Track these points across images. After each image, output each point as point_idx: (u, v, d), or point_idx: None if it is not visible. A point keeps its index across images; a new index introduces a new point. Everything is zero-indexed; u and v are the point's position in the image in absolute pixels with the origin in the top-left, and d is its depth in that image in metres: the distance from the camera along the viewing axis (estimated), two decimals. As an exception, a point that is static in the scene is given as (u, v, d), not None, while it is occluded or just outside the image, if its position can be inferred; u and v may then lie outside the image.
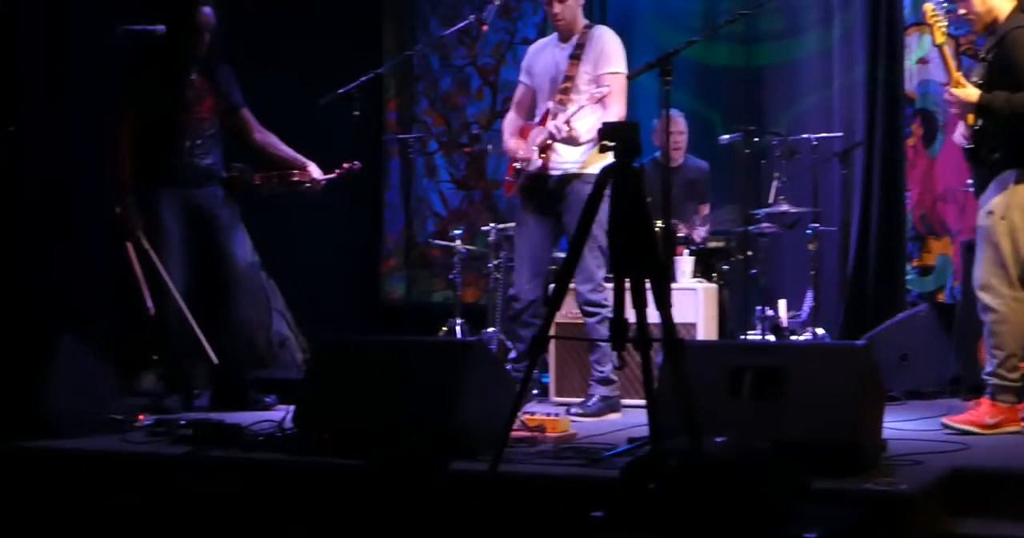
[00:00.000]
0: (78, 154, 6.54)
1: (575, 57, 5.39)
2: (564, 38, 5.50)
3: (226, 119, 5.62)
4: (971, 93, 4.62)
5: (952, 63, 4.72)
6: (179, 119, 5.43)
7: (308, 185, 5.65)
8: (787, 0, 7.47)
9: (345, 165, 5.73)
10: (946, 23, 4.78)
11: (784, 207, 6.63)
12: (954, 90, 4.66)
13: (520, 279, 5.43)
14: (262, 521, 3.93)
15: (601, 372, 5.41)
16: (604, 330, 5.11)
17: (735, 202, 6.95)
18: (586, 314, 5.40)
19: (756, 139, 6.67)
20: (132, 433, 4.56)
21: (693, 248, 6.48)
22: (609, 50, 5.37)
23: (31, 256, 6.36)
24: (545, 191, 5.42)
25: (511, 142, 5.53)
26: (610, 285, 3.49)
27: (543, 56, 5.54)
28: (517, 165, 5.47)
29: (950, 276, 6.87)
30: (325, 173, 5.69)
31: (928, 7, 4.79)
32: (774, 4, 6.56)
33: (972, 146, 4.71)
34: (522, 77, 5.61)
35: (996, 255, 4.61)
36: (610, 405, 5.38)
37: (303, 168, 5.66)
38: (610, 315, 4.86)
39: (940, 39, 4.75)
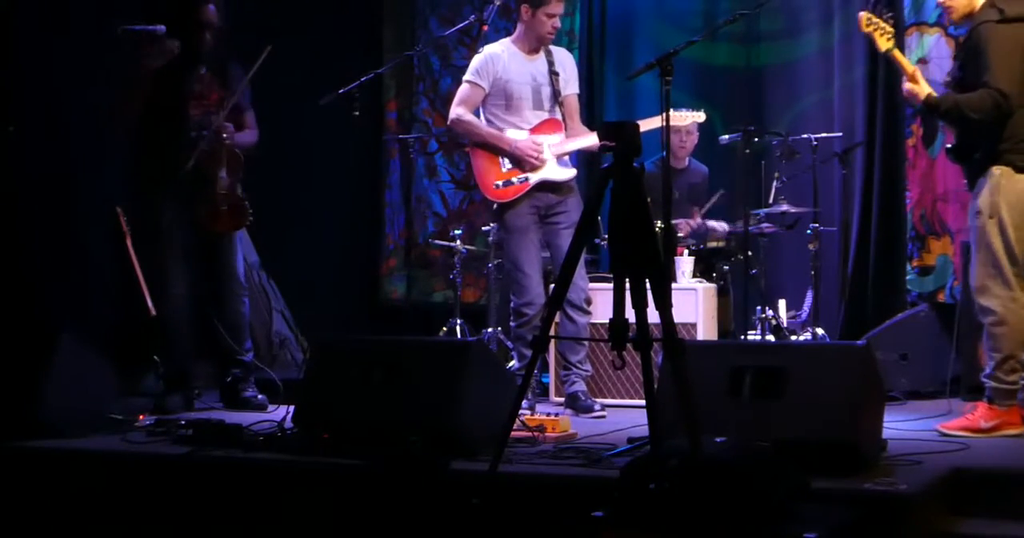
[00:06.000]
0: (78, 154, 6.54)
1: (555, 74, 5.55)
2: (532, 51, 5.55)
3: (230, 117, 5.60)
4: (920, 90, 4.60)
5: (905, 60, 4.72)
6: (184, 114, 5.41)
7: (210, 116, 5.44)
8: (787, 0, 7.46)
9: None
10: (888, 28, 4.72)
11: (784, 207, 6.63)
12: (907, 85, 4.65)
13: (531, 284, 5.44)
14: (262, 521, 3.93)
15: (588, 371, 5.54)
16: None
17: (735, 203, 6.94)
18: (585, 313, 5.43)
19: (756, 139, 6.66)
20: (132, 433, 4.56)
21: (692, 247, 6.49)
22: (576, 73, 5.70)
23: (31, 256, 6.35)
24: (546, 198, 5.49)
25: (522, 142, 5.46)
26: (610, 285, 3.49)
27: (515, 65, 5.53)
28: (526, 176, 5.47)
29: (950, 276, 6.85)
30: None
31: (863, 16, 4.73)
32: (774, 4, 6.54)
33: (954, 144, 4.67)
34: (477, 79, 5.52)
35: (990, 256, 4.55)
36: None
37: None
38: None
39: (884, 46, 4.71)
